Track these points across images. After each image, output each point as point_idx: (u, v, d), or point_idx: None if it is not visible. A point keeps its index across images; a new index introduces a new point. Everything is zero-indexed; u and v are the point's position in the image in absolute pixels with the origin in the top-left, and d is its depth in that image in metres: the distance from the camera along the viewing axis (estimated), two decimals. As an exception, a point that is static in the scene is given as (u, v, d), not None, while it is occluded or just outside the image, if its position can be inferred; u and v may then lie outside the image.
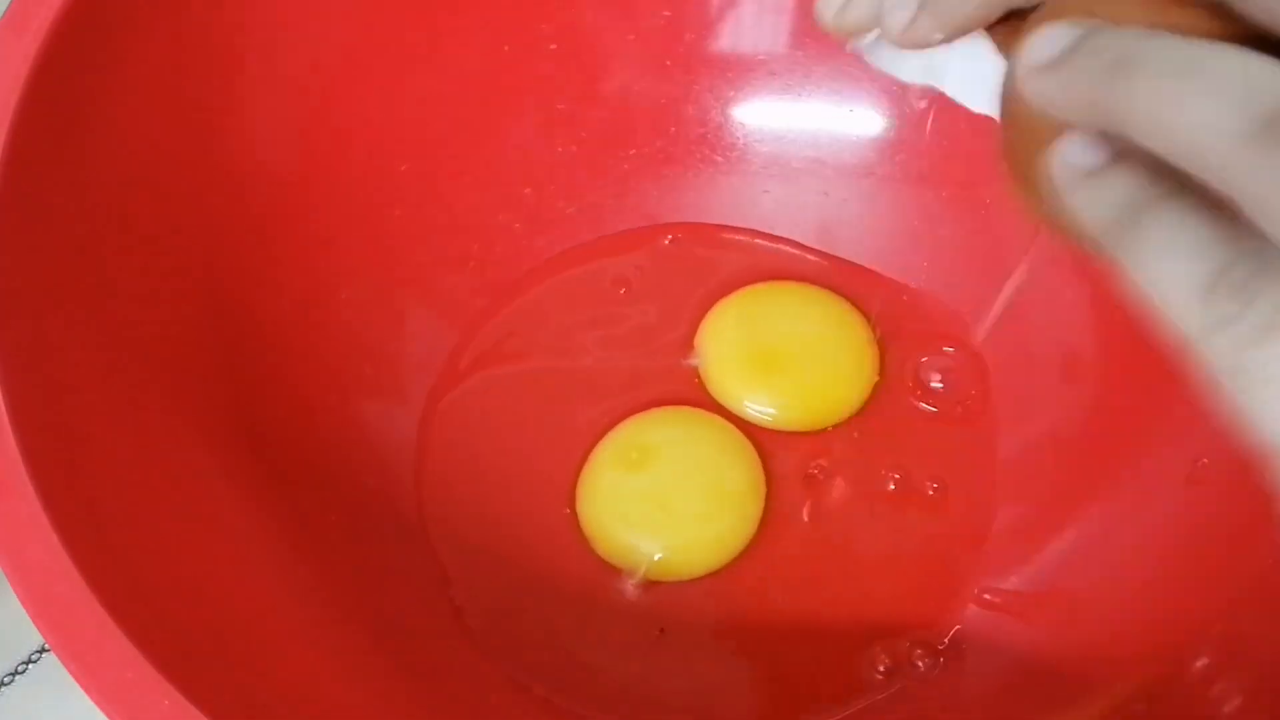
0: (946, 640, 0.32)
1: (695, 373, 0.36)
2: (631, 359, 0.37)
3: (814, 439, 0.36)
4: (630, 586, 0.33)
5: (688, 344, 0.37)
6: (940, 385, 0.36)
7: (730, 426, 0.35)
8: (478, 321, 0.37)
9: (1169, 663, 0.27)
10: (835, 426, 0.36)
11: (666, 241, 0.39)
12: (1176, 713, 0.26)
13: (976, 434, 0.35)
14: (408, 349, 0.36)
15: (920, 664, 0.32)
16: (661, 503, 0.34)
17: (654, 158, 0.39)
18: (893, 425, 0.36)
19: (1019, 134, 0.18)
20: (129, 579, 0.23)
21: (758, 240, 0.39)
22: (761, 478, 0.34)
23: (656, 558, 0.33)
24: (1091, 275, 0.34)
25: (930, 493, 0.35)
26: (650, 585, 0.33)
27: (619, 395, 0.36)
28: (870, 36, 0.21)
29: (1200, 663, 0.27)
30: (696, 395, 0.36)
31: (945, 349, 0.37)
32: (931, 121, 0.37)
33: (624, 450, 0.35)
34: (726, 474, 0.34)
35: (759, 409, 0.36)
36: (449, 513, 0.34)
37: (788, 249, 0.39)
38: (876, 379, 0.36)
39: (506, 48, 0.36)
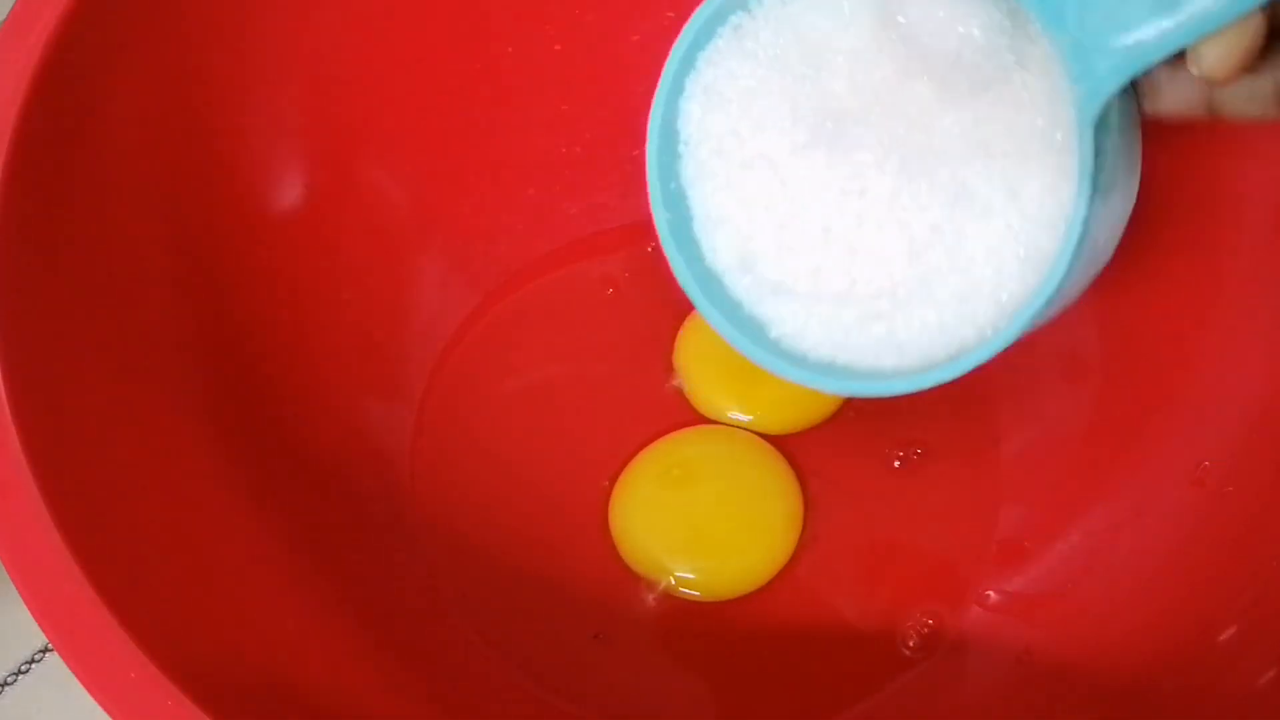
0: (947, 641, 0.32)
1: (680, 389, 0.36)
2: (621, 361, 0.37)
3: (807, 437, 0.35)
4: (650, 599, 0.33)
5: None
6: None
7: (774, 451, 0.35)
8: (473, 320, 0.37)
9: (1188, 648, 0.28)
10: (829, 421, 0.36)
11: (650, 249, 0.39)
12: (1205, 692, 0.26)
13: (977, 430, 0.35)
14: (409, 350, 0.37)
15: (921, 664, 0.32)
16: (698, 525, 0.34)
17: (656, 158, 0.39)
18: (889, 415, 0.35)
19: None
20: (132, 579, 0.23)
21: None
22: (800, 508, 0.34)
23: (683, 577, 0.33)
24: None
25: (929, 492, 0.35)
26: (666, 596, 0.33)
27: (608, 398, 0.36)
28: None
29: (1225, 635, 0.27)
30: (684, 405, 0.36)
31: None
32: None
33: (666, 465, 0.34)
34: (767, 503, 0.34)
35: (742, 416, 0.35)
36: (445, 512, 0.34)
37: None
38: None
39: (510, 49, 0.36)
